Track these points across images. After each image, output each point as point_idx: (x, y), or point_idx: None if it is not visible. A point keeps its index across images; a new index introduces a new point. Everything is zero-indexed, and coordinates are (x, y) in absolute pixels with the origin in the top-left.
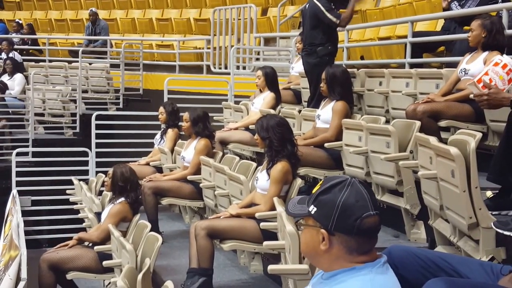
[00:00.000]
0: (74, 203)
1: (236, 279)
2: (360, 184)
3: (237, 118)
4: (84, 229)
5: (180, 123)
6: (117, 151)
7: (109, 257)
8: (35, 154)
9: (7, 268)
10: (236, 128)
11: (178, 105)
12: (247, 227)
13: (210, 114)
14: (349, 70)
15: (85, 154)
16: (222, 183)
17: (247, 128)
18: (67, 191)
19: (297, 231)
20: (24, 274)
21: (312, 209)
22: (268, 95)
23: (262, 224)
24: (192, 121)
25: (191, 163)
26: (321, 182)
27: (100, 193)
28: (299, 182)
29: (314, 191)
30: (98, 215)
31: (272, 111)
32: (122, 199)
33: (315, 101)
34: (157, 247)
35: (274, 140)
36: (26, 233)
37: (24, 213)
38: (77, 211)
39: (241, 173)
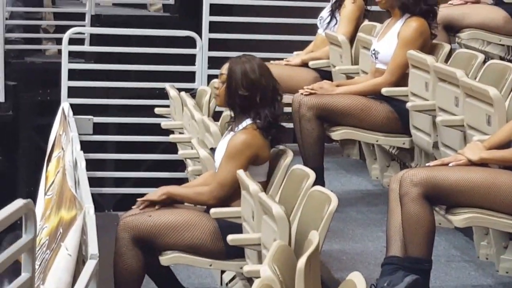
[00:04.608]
0: (169, 131)
1: (473, 284)
2: None
3: None
4: (185, 181)
5: None
6: (247, 38)
7: (236, 229)
8: (96, 40)
9: (54, 238)
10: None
11: None
12: (500, 183)
13: None
14: None
15: (189, 42)
16: (450, 102)
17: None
18: (156, 110)
19: None
20: (93, 249)
21: None
22: None
23: None
24: None
25: (390, 64)
26: None
27: (217, 114)
28: None
29: None
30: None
31: None
32: (248, 121)
33: None
34: (329, 213)
35: None
36: None
37: (82, 147)
38: (173, 147)
39: (488, 83)
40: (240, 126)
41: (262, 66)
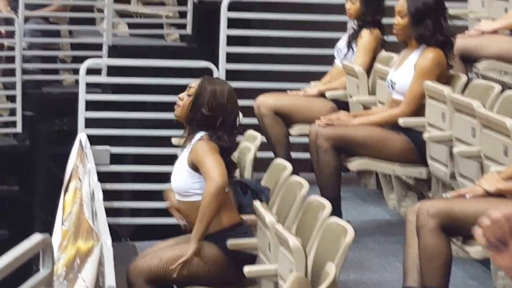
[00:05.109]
0: None
1: None
2: None
3: None
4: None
5: (381, 19)
6: (264, 69)
7: (248, 257)
8: (113, 70)
9: (71, 269)
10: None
11: None
12: None
13: None
14: None
15: (206, 73)
16: (466, 133)
17: None
18: (173, 140)
19: None
20: (110, 280)
21: None
22: None
23: None
24: (412, 15)
25: (407, 95)
26: None
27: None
28: None
29: None
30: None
31: None
32: (202, 133)
33: None
34: (346, 245)
35: None
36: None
37: (99, 177)
38: None
39: (506, 114)
40: (195, 139)
41: (231, 93)
